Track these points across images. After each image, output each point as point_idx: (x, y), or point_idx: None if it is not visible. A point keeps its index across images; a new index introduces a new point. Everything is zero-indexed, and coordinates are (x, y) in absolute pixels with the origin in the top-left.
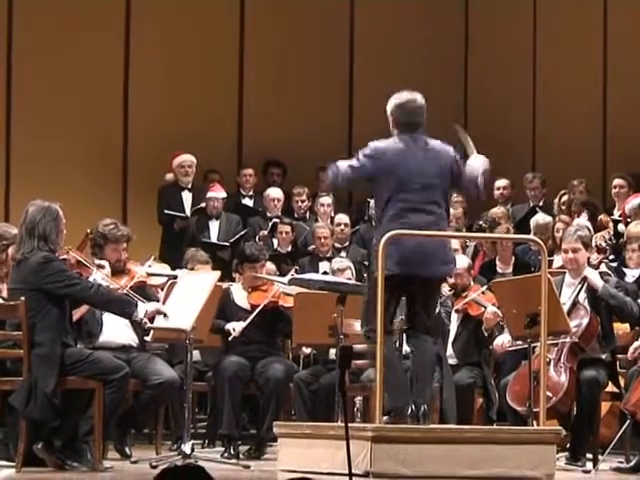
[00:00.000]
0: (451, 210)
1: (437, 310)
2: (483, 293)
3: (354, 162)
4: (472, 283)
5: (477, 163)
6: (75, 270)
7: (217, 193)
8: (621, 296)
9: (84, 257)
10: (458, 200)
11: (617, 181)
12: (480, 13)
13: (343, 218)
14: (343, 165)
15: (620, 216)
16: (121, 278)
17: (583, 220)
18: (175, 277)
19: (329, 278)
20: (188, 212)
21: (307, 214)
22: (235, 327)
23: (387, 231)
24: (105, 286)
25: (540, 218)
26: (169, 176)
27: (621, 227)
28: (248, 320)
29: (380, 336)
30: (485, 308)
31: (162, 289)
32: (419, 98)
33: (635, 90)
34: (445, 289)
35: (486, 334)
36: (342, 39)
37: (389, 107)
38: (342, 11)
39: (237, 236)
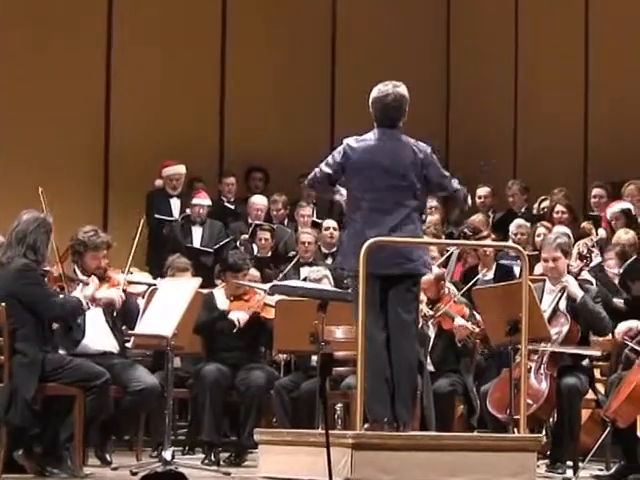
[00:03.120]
0: (429, 217)
1: (418, 312)
2: (455, 302)
3: (322, 166)
4: (447, 292)
5: None
6: (57, 284)
7: (202, 200)
8: (597, 311)
9: (68, 273)
10: (434, 206)
11: (596, 191)
12: (461, 26)
13: (332, 223)
14: (316, 169)
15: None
16: (101, 285)
17: (563, 227)
18: (154, 285)
19: (310, 285)
20: (177, 217)
21: (285, 221)
22: (240, 318)
23: (352, 235)
24: (66, 299)
25: (521, 221)
26: (158, 182)
27: (601, 232)
28: (250, 312)
29: (361, 342)
30: (453, 319)
31: (143, 297)
32: (398, 91)
33: (616, 100)
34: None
35: (459, 345)
36: (324, 48)
37: (370, 99)
38: (324, 21)
39: (221, 243)
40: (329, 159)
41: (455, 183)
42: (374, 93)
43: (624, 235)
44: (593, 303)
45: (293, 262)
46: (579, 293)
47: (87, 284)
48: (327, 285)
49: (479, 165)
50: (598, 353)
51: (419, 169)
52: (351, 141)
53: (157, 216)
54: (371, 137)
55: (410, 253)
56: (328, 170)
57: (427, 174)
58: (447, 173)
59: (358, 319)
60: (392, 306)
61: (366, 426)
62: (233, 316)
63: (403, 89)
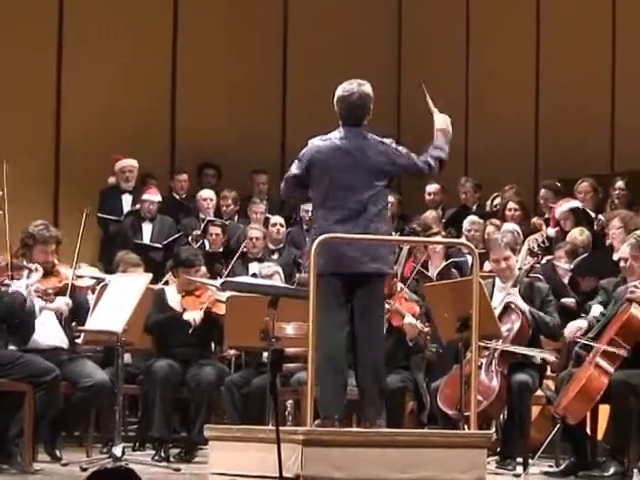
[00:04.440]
0: None
1: (383, 312)
2: (406, 300)
3: (289, 172)
4: (398, 289)
5: (441, 125)
6: (5, 274)
7: (152, 196)
8: (545, 322)
9: (17, 261)
10: (389, 202)
11: (542, 192)
12: (413, 25)
13: (278, 219)
14: (285, 176)
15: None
16: (49, 280)
17: (512, 225)
18: (103, 280)
19: (261, 281)
20: (124, 215)
21: (235, 217)
22: (195, 318)
23: (317, 233)
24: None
25: (474, 217)
26: (111, 179)
27: (551, 231)
28: (203, 309)
29: (311, 339)
30: (403, 317)
31: (93, 292)
32: (363, 89)
33: (566, 98)
34: None
35: (410, 344)
36: (275, 43)
37: (334, 97)
38: (275, 18)
39: (170, 239)
40: (295, 163)
41: (430, 160)
42: (339, 92)
43: (579, 236)
44: (539, 313)
45: (236, 257)
46: (524, 307)
47: (31, 271)
48: (278, 281)
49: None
50: (552, 358)
51: (385, 166)
52: (316, 140)
53: (99, 215)
54: (336, 136)
55: (376, 252)
56: (295, 172)
57: (396, 167)
58: (414, 157)
59: (319, 317)
60: (358, 305)
61: (317, 422)
62: (189, 316)
63: (368, 87)
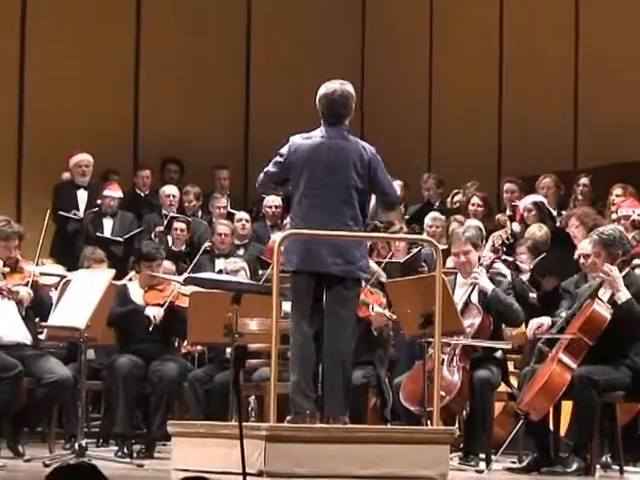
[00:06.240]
0: None
1: (355, 310)
2: (372, 293)
3: (269, 166)
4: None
5: None
6: None
7: (114, 192)
8: (509, 303)
9: None
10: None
11: (508, 186)
12: (376, 20)
13: (244, 214)
14: (265, 169)
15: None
16: (12, 277)
17: (475, 221)
18: (66, 276)
19: (224, 277)
20: (82, 211)
21: (199, 213)
22: (155, 315)
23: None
24: None
25: (436, 214)
26: (66, 175)
27: (515, 226)
28: (165, 306)
29: (274, 334)
30: (368, 306)
31: (56, 288)
32: (345, 88)
33: (529, 95)
34: None
35: (375, 334)
36: (238, 37)
37: (317, 96)
38: (239, 16)
39: (132, 233)
40: (276, 157)
41: (397, 188)
42: (321, 90)
43: (538, 232)
44: (504, 295)
45: (201, 252)
46: (489, 286)
47: None
48: (244, 277)
49: (415, 163)
50: (508, 346)
51: (365, 168)
52: (297, 138)
53: (60, 213)
54: (317, 134)
55: (351, 255)
56: (274, 169)
57: (373, 175)
58: (390, 178)
59: (293, 315)
60: (329, 302)
61: (289, 418)
62: (149, 312)
63: (350, 87)
